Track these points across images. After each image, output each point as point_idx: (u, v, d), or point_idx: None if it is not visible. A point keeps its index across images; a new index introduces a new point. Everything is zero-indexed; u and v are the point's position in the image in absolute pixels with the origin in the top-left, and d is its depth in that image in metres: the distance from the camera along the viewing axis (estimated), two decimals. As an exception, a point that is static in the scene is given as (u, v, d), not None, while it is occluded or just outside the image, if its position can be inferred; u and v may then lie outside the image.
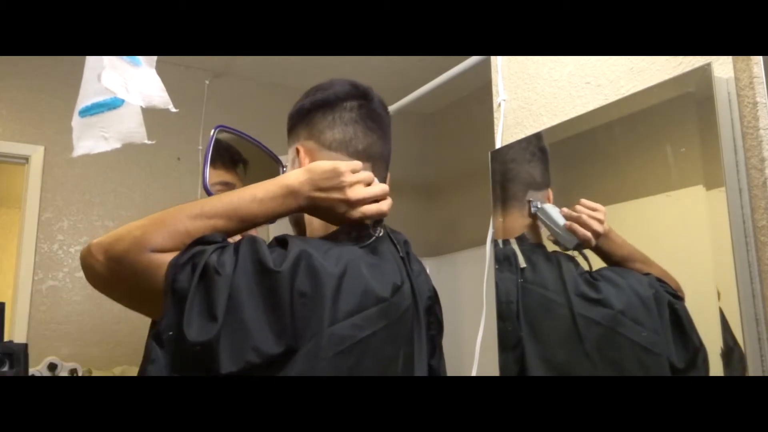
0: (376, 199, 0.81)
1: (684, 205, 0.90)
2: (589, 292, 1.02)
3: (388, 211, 0.82)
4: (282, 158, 1.03)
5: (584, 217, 1.02)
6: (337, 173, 0.78)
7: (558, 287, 1.07)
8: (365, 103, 0.90)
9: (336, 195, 0.78)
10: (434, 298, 0.90)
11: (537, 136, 1.19)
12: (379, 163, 0.89)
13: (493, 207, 1.25)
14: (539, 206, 1.12)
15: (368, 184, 0.81)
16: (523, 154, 1.21)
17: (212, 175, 1.01)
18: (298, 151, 0.87)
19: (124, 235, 0.72)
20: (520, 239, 1.17)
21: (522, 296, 1.13)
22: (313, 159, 0.85)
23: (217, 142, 1.02)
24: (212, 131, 1.01)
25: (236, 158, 1.16)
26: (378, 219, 0.83)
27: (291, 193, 0.78)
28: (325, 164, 0.79)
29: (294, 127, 0.91)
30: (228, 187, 1.15)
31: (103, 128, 0.96)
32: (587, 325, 1.01)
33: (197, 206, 0.75)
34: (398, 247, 0.85)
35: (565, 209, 1.06)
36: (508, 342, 1.15)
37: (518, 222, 1.19)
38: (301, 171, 0.80)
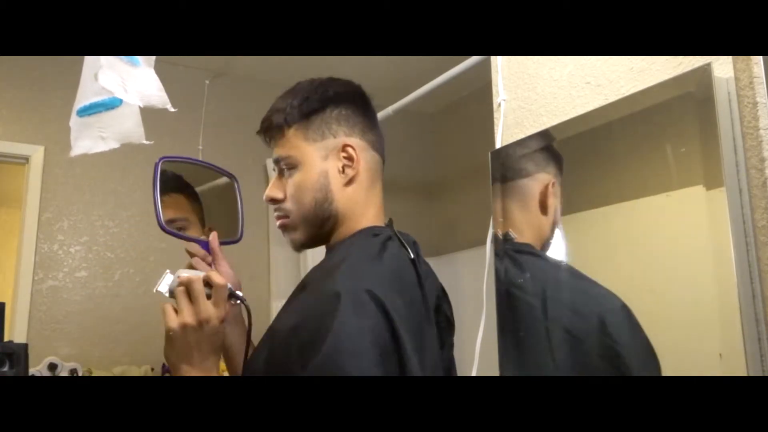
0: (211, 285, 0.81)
1: (684, 205, 0.90)
2: (567, 299, 1.03)
3: (221, 279, 0.82)
4: (267, 161, 1.01)
5: None
6: (182, 319, 0.79)
7: (537, 291, 1.08)
8: (373, 109, 0.94)
9: (203, 316, 0.79)
10: (442, 297, 0.89)
11: (539, 135, 1.19)
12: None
13: (492, 207, 1.24)
14: None
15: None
16: (524, 152, 1.21)
17: (166, 213, 0.95)
18: (348, 148, 0.85)
19: None
20: (515, 242, 1.17)
21: (511, 299, 1.14)
22: (364, 158, 0.87)
23: (164, 173, 0.95)
24: (155, 165, 0.94)
25: (187, 188, 1.09)
26: (231, 292, 0.83)
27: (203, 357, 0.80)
28: (170, 323, 0.80)
29: (319, 114, 0.86)
30: (185, 222, 1.08)
31: (101, 128, 0.96)
32: (561, 333, 1.01)
33: None
34: (408, 248, 0.84)
35: None
36: (507, 342, 1.15)
37: (517, 222, 1.19)
38: (166, 346, 0.81)
